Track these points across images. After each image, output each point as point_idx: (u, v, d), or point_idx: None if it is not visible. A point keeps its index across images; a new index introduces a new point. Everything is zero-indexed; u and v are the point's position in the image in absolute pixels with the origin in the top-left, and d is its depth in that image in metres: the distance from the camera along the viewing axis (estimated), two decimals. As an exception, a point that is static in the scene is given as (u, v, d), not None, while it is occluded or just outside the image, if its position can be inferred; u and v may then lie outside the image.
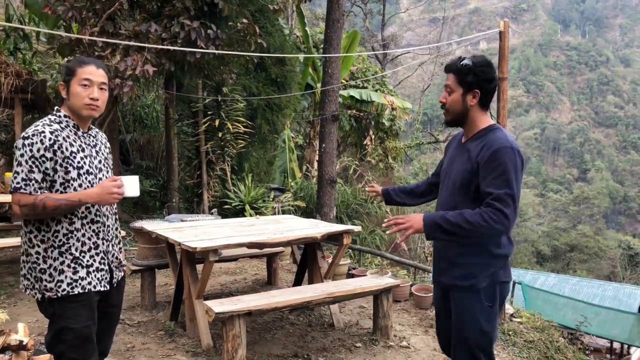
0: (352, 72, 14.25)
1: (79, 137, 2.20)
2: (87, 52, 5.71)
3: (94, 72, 2.15)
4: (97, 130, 2.36)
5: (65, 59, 2.26)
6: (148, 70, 5.64)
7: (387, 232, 2.34)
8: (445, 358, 3.39)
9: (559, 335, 5.19)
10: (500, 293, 2.29)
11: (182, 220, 4.83)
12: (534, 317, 5.28)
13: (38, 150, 2.04)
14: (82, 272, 2.15)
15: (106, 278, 2.25)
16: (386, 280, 4.13)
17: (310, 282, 4.48)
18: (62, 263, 2.11)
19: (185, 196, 8.26)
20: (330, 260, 4.56)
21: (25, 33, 8.09)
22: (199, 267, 3.94)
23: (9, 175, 5.88)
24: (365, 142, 14.82)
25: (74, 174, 2.13)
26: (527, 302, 11.07)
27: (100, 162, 2.27)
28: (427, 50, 25.40)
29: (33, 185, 2.05)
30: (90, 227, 2.19)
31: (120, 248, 2.39)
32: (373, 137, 14.96)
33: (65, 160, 2.10)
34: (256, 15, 7.75)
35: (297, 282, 4.82)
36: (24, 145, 2.04)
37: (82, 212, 2.17)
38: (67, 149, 2.11)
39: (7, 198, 5.34)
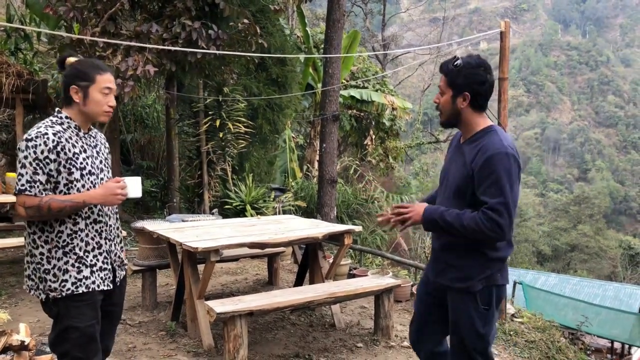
0: (353, 72, 14.25)
1: (80, 138, 2.21)
2: (89, 52, 5.71)
3: (112, 80, 2.24)
4: (96, 130, 2.39)
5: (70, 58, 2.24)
6: (149, 70, 5.65)
7: (391, 220, 2.33)
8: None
9: (560, 336, 5.19)
10: (497, 296, 2.27)
11: (183, 221, 4.83)
12: (535, 317, 5.29)
13: (42, 152, 2.05)
14: (86, 272, 2.16)
15: (109, 277, 2.27)
16: (387, 281, 4.13)
17: (312, 282, 4.48)
18: (66, 263, 2.13)
19: (186, 196, 8.27)
20: (331, 260, 4.57)
21: (26, 33, 8.09)
22: (200, 267, 3.95)
23: (10, 175, 5.87)
24: (365, 142, 14.82)
25: (77, 174, 2.14)
26: (528, 302, 11.09)
27: (101, 162, 2.29)
28: (428, 50, 25.41)
29: (38, 187, 2.05)
30: (93, 227, 2.21)
31: (121, 247, 2.41)
32: (373, 137, 14.95)
33: (69, 162, 2.11)
34: (257, 16, 7.75)
35: (298, 282, 4.83)
36: (27, 147, 2.05)
37: (86, 213, 2.18)
38: (70, 150, 2.12)
39: (8, 198, 5.34)
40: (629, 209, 61.31)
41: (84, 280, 2.15)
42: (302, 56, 11.21)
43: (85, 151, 2.20)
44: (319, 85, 10.98)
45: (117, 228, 2.38)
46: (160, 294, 4.76)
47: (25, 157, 2.05)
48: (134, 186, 2.26)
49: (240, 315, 3.22)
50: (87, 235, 2.18)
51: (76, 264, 2.14)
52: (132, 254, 6.22)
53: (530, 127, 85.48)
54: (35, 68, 8.26)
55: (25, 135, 2.07)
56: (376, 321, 4.07)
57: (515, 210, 2.23)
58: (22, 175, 2.05)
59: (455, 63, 2.22)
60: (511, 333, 4.60)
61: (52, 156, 2.07)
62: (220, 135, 7.67)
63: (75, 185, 2.13)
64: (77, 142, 2.17)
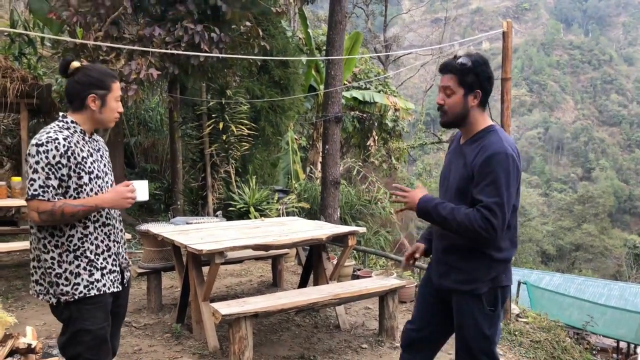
0: (355, 73, 14.26)
1: (87, 143, 2.23)
2: (92, 56, 5.74)
3: (120, 87, 2.32)
4: (96, 134, 2.41)
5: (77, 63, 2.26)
6: (152, 74, 5.67)
7: (391, 199, 2.36)
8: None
9: (565, 335, 5.17)
10: (502, 297, 2.26)
11: (187, 223, 4.85)
12: (540, 317, 5.27)
13: (54, 157, 2.07)
14: (97, 275, 2.19)
15: (118, 279, 2.31)
16: (391, 281, 4.13)
17: (316, 283, 4.49)
18: (77, 266, 2.15)
19: (190, 199, 8.29)
20: (335, 261, 4.57)
21: (30, 38, 8.14)
22: (205, 269, 3.96)
23: (15, 179, 5.91)
24: (368, 143, 14.82)
25: (86, 179, 2.16)
26: (533, 302, 11.04)
27: (104, 165, 2.32)
28: (430, 51, 25.40)
29: (51, 192, 2.07)
30: (102, 230, 2.24)
31: (125, 249, 2.45)
32: (376, 138, 14.96)
33: (78, 166, 2.14)
34: (259, 18, 7.77)
35: (303, 283, 4.83)
36: (38, 152, 2.06)
37: (95, 216, 2.21)
38: (79, 155, 2.15)
39: (13, 202, 5.37)
40: (634, 207, 61.03)
41: (95, 283, 2.18)
42: (304, 58, 11.23)
43: (91, 155, 2.22)
44: (322, 87, 10.99)
45: (121, 230, 2.42)
46: (165, 296, 4.78)
47: (37, 162, 2.05)
48: (141, 190, 2.32)
49: (245, 317, 3.23)
50: (96, 238, 2.21)
51: (88, 267, 2.17)
52: (137, 256, 6.25)
53: (533, 127, 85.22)
54: (39, 73, 8.31)
55: (35, 140, 2.08)
56: (381, 322, 4.07)
57: (516, 212, 2.22)
58: (35, 181, 2.06)
59: (462, 61, 2.19)
60: (516, 333, 4.59)
61: (64, 161, 2.09)
62: (224, 137, 7.69)
63: (84, 190, 2.16)
64: (84, 147, 2.19)
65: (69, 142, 2.12)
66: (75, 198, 2.14)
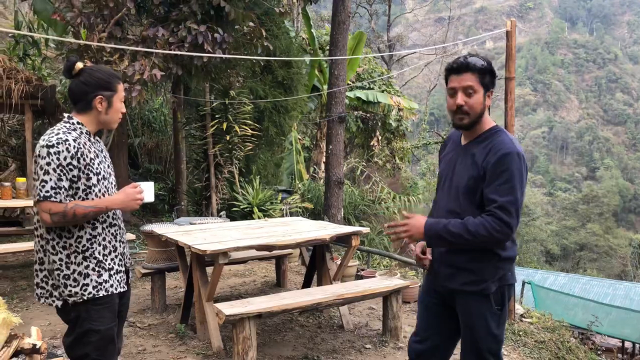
0: (359, 73, 14.25)
1: (92, 144, 2.24)
2: (96, 57, 5.76)
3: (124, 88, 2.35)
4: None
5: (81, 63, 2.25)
6: (156, 74, 5.69)
7: (391, 237, 2.31)
8: None
9: (569, 335, 5.16)
10: (508, 295, 2.26)
11: (191, 223, 4.86)
12: (545, 317, 5.25)
13: (65, 159, 2.07)
14: (105, 275, 2.21)
15: (124, 279, 2.33)
16: (395, 282, 4.13)
17: (319, 283, 4.49)
18: (86, 267, 2.16)
19: (194, 199, 8.31)
20: (339, 261, 4.57)
21: (34, 39, 8.18)
22: (209, 269, 3.97)
23: (20, 180, 5.94)
24: (372, 143, 14.82)
25: (94, 180, 2.17)
26: (537, 302, 11.02)
27: (108, 166, 2.33)
28: (433, 50, 25.36)
29: (62, 193, 2.07)
30: (109, 231, 2.26)
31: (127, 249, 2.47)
32: (380, 137, 14.95)
33: (87, 167, 2.14)
34: (262, 19, 7.78)
35: (306, 283, 4.83)
36: (49, 153, 2.05)
37: (102, 217, 2.22)
38: (87, 156, 2.15)
39: (19, 203, 5.40)
40: (639, 207, 60.79)
41: (104, 284, 2.19)
42: (307, 58, 11.23)
43: (97, 156, 2.23)
44: (325, 87, 10.99)
45: (124, 230, 2.44)
46: (169, 296, 4.79)
47: (48, 164, 2.05)
48: (148, 191, 2.35)
49: (249, 318, 3.23)
50: (104, 239, 2.23)
51: (96, 268, 2.18)
52: (141, 257, 6.26)
53: (538, 126, 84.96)
54: (44, 74, 8.35)
55: (45, 142, 2.07)
56: (384, 322, 4.07)
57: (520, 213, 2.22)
58: (46, 182, 2.05)
59: (480, 61, 2.19)
60: (520, 333, 4.58)
61: (75, 162, 2.09)
62: (227, 138, 7.70)
63: (93, 191, 2.16)
64: (90, 148, 2.20)
65: (79, 144, 2.12)
66: (83, 199, 2.14)
